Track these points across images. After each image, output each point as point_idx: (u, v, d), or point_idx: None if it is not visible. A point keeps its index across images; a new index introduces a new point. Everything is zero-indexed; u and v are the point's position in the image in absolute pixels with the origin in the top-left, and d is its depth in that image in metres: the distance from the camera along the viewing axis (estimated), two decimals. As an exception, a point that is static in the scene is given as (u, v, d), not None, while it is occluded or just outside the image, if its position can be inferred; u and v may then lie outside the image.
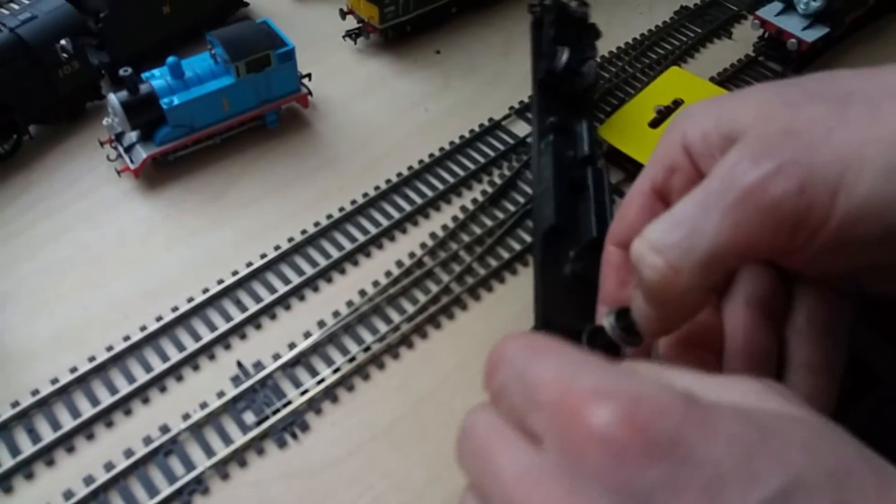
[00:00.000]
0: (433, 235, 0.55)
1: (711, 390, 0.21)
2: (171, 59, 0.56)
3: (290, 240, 0.55)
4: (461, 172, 0.60)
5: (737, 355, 0.32)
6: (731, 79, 0.69)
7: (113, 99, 0.55)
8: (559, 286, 0.41)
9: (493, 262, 0.53)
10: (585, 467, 0.19)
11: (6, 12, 0.60)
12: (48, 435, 0.45)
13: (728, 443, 0.18)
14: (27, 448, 0.44)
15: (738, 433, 0.19)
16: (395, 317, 0.51)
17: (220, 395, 0.47)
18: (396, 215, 0.56)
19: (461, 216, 0.56)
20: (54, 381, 0.47)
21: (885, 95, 0.25)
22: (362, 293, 0.52)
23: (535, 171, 0.48)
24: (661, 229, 0.27)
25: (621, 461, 0.19)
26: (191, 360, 0.49)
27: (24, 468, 0.44)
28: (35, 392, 0.47)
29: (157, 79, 0.57)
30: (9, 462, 0.44)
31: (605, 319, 0.33)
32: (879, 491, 0.18)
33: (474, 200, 0.58)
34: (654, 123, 0.60)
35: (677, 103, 0.61)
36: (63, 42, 0.59)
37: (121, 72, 0.54)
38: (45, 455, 0.44)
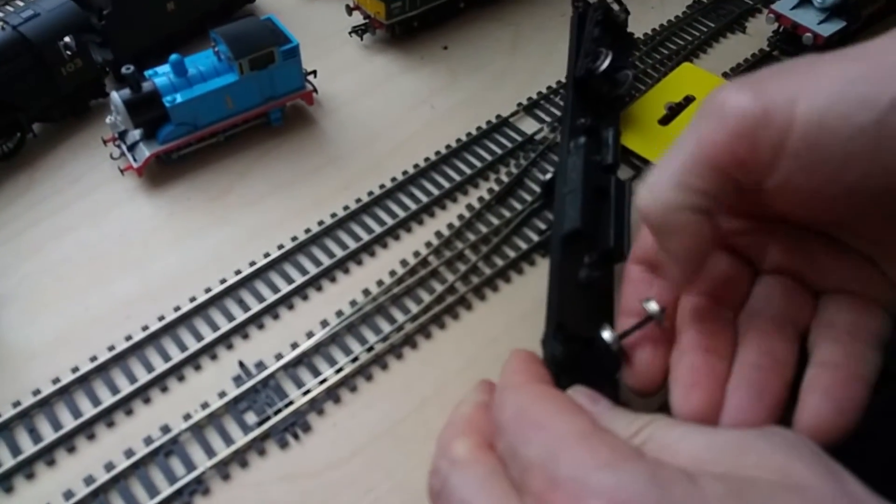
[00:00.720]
0: (438, 234, 0.54)
1: (699, 446, 0.24)
2: (173, 57, 0.56)
3: (294, 238, 0.54)
4: (468, 170, 0.59)
5: (747, 363, 0.31)
6: (744, 74, 0.67)
7: (115, 97, 0.55)
8: (573, 290, 0.40)
9: (500, 262, 0.53)
10: None
11: (10, 10, 0.60)
12: (49, 435, 0.45)
13: None
14: (28, 448, 0.44)
15: None
16: (399, 317, 0.50)
17: (222, 395, 0.46)
18: (402, 214, 0.56)
19: (467, 215, 0.55)
20: (55, 380, 0.47)
21: (852, 49, 0.27)
22: (366, 293, 0.51)
23: (563, 169, 0.47)
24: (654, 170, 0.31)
25: None
26: (192, 360, 0.48)
27: (25, 468, 0.43)
28: (36, 392, 0.46)
29: (159, 76, 0.56)
30: (10, 462, 0.43)
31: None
32: None
33: (481, 199, 0.57)
34: (665, 120, 0.59)
35: (689, 100, 0.60)
36: (66, 39, 0.58)
37: (123, 69, 0.54)
38: (46, 455, 0.44)
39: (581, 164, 0.45)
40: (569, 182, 0.45)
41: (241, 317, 0.50)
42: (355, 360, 0.48)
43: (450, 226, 0.55)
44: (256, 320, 0.50)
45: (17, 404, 0.46)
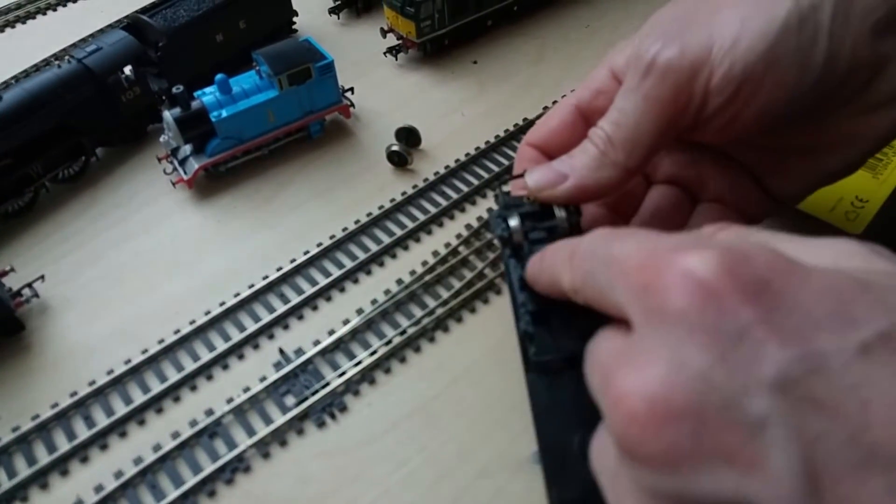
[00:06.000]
0: (468, 227, 0.56)
1: (804, 251, 0.21)
2: (219, 77, 0.60)
3: (332, 237, 0.57)
4: (496, 168, 0.61)
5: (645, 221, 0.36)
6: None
7: (167, 115, 0.59)
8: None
9: (529, 250, 0.54)
10: (672, 317, 0.19)
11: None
12: (102, 421, 0.47)
13: (821, 292, 0.18)
14: (83, 433, 0.47)
15: (832, 284, 0.19)
16: (431, 303, 0.51)
17: (263, 379, 0.48)
18: (433, 210, 0.58)
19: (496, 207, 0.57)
20: (110, 372, 0.50)
21: None
22: (399, 282, 0.53)
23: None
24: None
25: (709, 302, 0.18)
26: (236, 350, 0.51)
27: (80, 452, 0.46)
28: (92, 383, 0.49)
29: (207, 95, 0.61)
30: (65, 447, 0.46)
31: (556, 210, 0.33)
32: None
33: (510, 194, 0.58)
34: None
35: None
36: (126, 70, 0.64)
37: (173, 90, 0.59)
38: (99, 440, 0.47)
39: None
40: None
41: (281, 309, 0.52)
42: (389, 343, 0.49)
43: (479, 219, 0.57)
44: (296, 312, 0.52)
45: (73, 394, 0.49)
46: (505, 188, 0.35)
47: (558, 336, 0.29)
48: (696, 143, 0.36)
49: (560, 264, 0.26)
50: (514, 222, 0.31)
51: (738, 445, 0.18)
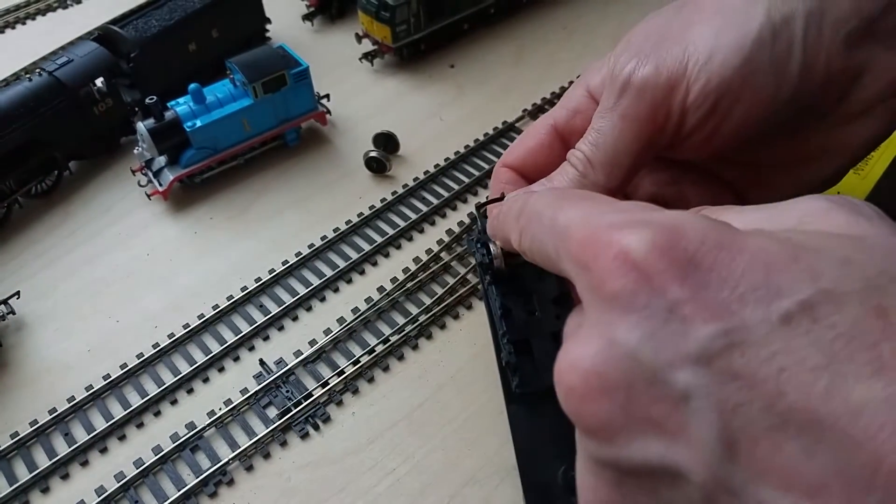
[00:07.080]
0: (450, 232, 0.56)
1: (769, 217, 0.22)
2: (192, 86, 0.60)
3: (311, 246, 0.56)
4: (476, 173, 0.60)
5: None
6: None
7: (141, 126, 0.58)
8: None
9: (510, 253, 0.54)
10: (608, 296, 0.20)
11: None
12: (82, 437, 0.46)
13: (750, 264, 0.19)
14: (63, 450, 0.46)
15: (762, 254, 0.19)
16: (414, 310, 0.51)
17: (244, 391, 0.48)
18: (413, 216, 0.57)
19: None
20: (88, 388, 0.49)
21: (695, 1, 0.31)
22: (381, 290, 0.53)
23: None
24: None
25: (640, 283, 0.19)
26: (216, 363, 0.50)
27: (60, 469, 0.45)
28: (70, 399, 0.48)
29: (181, 105, 0.60)
30: (45, 464, 0.45)
31: None
32: None
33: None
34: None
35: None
36: (98, 82, 0.63)
37: (146, 100, 0.58)
38: (80, 456, 0.46)
39: None
40: None
41: (261, 320, 0.52)
42: (372, 352, 0.49)
43: (460, 223, 0.56)
44: (276, 322, 0.52)
45: (52, 411, 0.48)
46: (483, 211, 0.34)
47: (541, 366, 0.29)
48: (676, 161, 0.35)
49: (509, 222, 0.26)
50: (494, 247, 0.30)
51: (664, 416, 0.19)
